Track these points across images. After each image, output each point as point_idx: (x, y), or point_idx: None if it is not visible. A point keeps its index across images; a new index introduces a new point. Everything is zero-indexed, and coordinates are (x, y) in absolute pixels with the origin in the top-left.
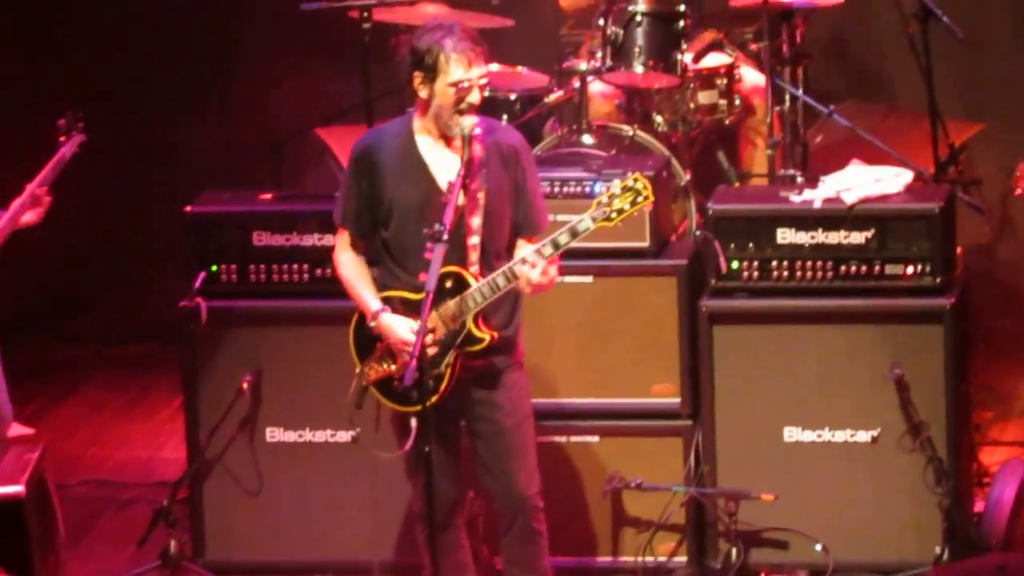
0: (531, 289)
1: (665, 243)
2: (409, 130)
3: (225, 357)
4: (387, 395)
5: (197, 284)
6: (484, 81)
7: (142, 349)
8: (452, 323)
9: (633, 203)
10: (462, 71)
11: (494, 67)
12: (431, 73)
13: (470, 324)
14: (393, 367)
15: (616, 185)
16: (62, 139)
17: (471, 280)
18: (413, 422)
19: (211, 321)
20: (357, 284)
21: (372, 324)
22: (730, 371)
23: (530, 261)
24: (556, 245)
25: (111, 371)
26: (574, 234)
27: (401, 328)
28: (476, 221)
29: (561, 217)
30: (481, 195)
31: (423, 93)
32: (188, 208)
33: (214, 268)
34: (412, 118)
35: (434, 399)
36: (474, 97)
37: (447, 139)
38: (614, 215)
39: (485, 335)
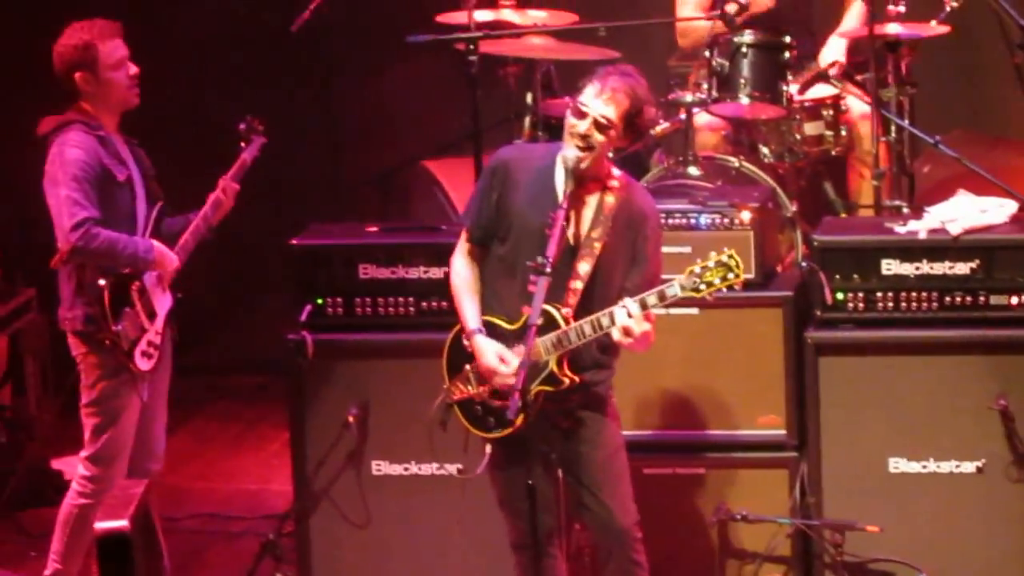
0: (624, 344)
1: (771, 274)
2: (553, 156)
3: (332, 390)
4: (468, 417)
5: (303, 317)
6: (603, 122)
7: (252, 381)
8: (537, 359)
9: (723, 279)
10: (589, 96)
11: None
12: (575, 93)
13: (553, 365)
14: (477, 390)
15: (712, 258)
16: (242, 144)
17: (560, 321)
18: (488, 448)
19: (318, 354)
20: (464, 295)
21: (467, 342)
22: (835, 402)
23: (616, 315)
24: (644, 304)
25: (222, 403)
26: (662, 298)
27: (490, 354)
28: (584, 268)
29: (666, 249)
30: (598, 245)
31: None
32: (294, 240)
33: (320, 301)
34: (559, 146)
35: (508, 431)
36: (580, 127)
37: (586, 178)
38: (703, 287)
39: (566, 378)
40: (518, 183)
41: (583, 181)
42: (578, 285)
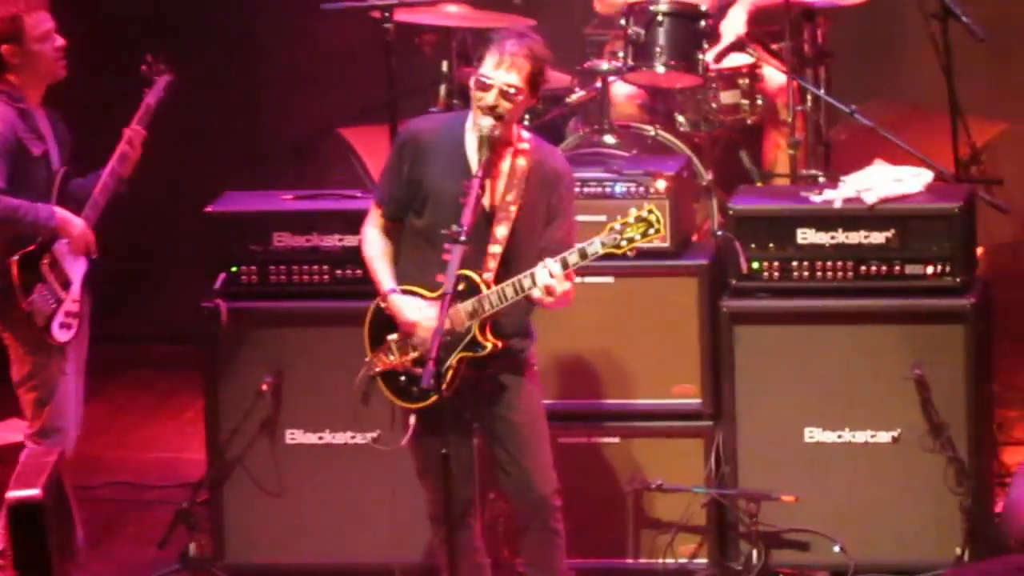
0: (545, 303)
1: (687, 243)
2: (462, 125)
3: (246, 359)
4: (392, 388)
5: (217, 285)
6: (509, 90)
7: (168, 350)
8: (459, 325)
9: (644, 234)
10: (490, 66)
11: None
12: (477, 63)
13: (475, 330)
14: (399, 360)
15: (631, 214)
16: (146, 90)
17: (482, 286)
18: (412, 419)
19: (231, 322)
20: (378, 262)
21: (383, 305)
22: (751, 372)
23: (537, 276)
24: (565, 263)
25: (137, 372)
26: (583, 255)
27: (410, 309)
28: (502, 231)
29: (581, 217)
30: (513, 208)
31: (471, 83)
32: (208, 208)
33: (234, 269)
34: (468, 115)
35: (433, 399)
36: (487, 99)
37: (497, 144)
38: (624, 243)
39: (489, 343)
40: (429, 155)
41: (494, 146)
42: (496, 249)
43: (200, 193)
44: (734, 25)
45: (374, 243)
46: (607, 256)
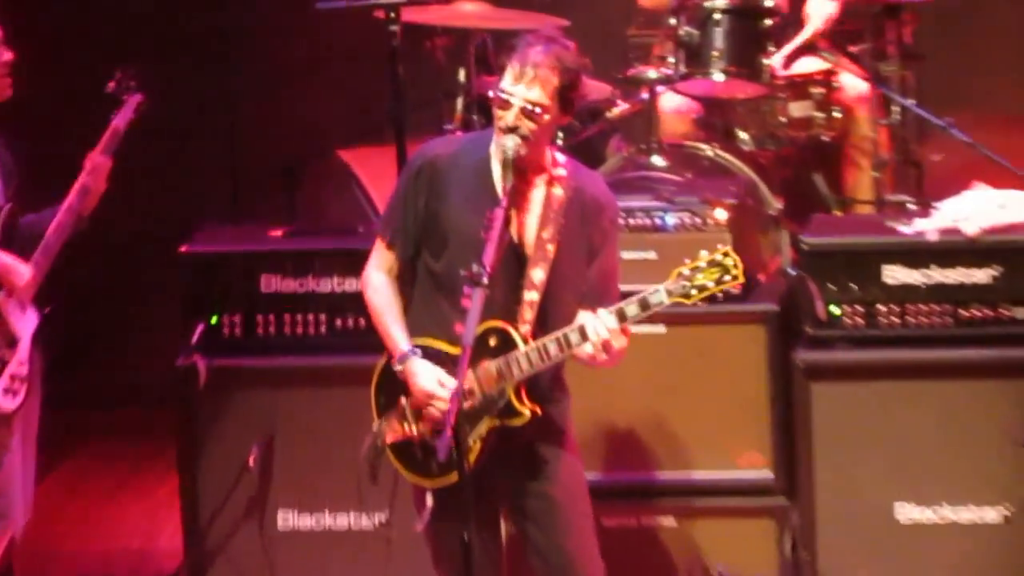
0: (592, 362)
1: (752, 284)
2: (486, 147)
3: (229, 426)
4: (405, 463)
5: (195, 338)
6: (533, 108)
7: (136, 416)
8: (490, 388)
9: (719, 282)
10: (509, 80)
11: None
12: (499, 75)
13: (511, 394)
14: (415, 429)
15: (703, 257)
16: (113, 111)
17: (519, 341)
18: (428, 499)
19: (211, 383)
20: (387, 315)
21: (398, 368)
22: (831, 437)
23: (589, 331)
24: (622, 315)
25: (99, 442)
26: (644, 306)
27: (427, 377)
28: (539, 275)
29: (627, 255)
30: (551, 247)
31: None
32: (184, 248)
33: (214, 319)
34: (492, 136)
35: (455, 476)
36: (507, 119)
37: (527, 169)
38: (694, 292)
39: (526, 410)
40: (449, 184)
41: (524, 173)
42: (533, 296)
43: (174, 230)
44: (822, 8)
45: (381, 291)
46: (662, 275)
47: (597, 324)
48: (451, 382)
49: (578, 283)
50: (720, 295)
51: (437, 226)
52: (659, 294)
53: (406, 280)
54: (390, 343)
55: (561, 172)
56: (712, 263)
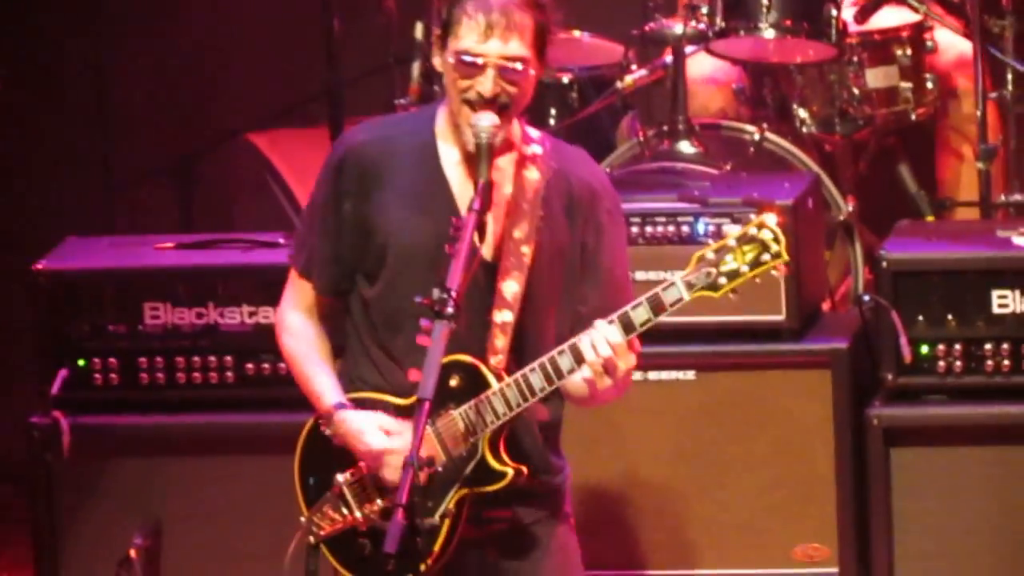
0: (590, 395)
1: (812, 315)
2: (429, 130)
3: (102, 505)
4: (346, 560)
5: (55, 389)
6: (514, 65)
7: None
8: (456, 446)
9: (755, 264)
10: (473, 38)
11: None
12: (444, 32)
13: (484, 449)
14: (358, 512)
15: (731, 234)
16: None
17: (490, 378)
18: None
19: (78, 447)
20: (309, 364)
21: (328, 429)
22: (917, 520)
23: (584, 348)
24: (628, 326)
25: None
26: (657, 308)
27: (370, 429)
28: (511, 288)
29: (642, 276)
30: (526, 250)
31: (437, 63)
32: (39, 264)
33: (82, 362)
34: (436, 112)
35: (423, 569)
36: (484, 85)
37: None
38: (722, 280)
39: (507, 468)
40: (383, 181)
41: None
42: (506, 317)
43: (28, 240)
44: None
45: (299, 335)
46: (696, 306)
47: (595, 337)
48: (398, 427)
49: (567, 298)
50: (758, 280)
51: (370, 239)
52: (676, 289)
53: (334, 320)
54: (316, 400)
55: (536, 150)
56: (744, 239)
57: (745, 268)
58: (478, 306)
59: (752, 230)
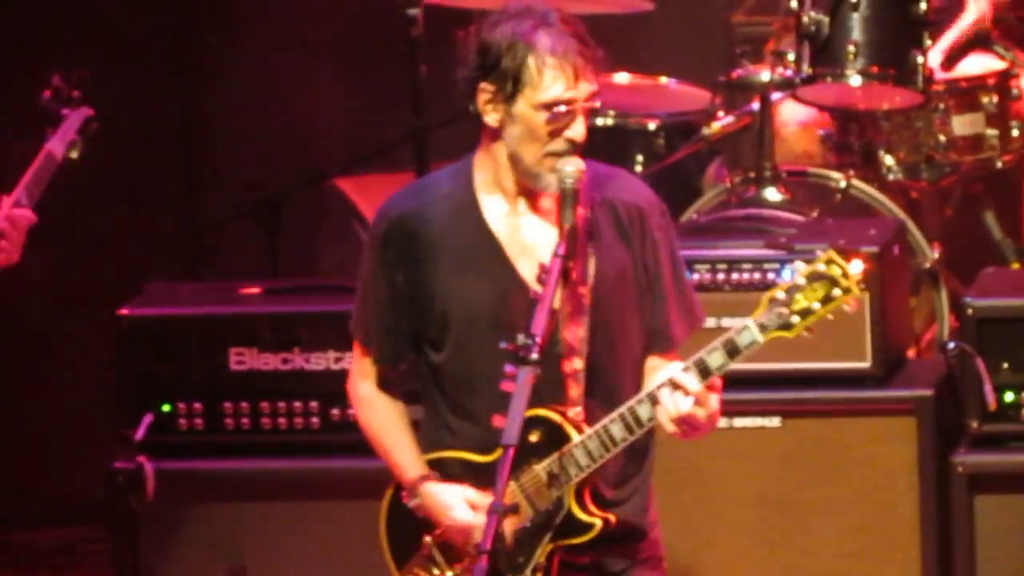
0: (680, 428)
1: (899, 362)
2: (468, 187)
3: (186, 551)
4: None
5: (139, 434)
6: (596, 104)
7: (60, 536)
8: (541, 500)
9: (826, 300)
10: (563, 85)
11: (621, 78)
12: (511, 86)
13: (570, 502)
14: (449, 573)
15: (799, 272)
16: (49, 130)
17: (571, 431)
18: None
19: (162, 493)
20: (389, 437)
21: (412, 501)
22: (1000, 566)
23: (663, 397)
24: (705, 370)
25: (17, 572)
26: (732, 352)
27: (456, 503)
28: (576, 333)
29: (728, 322)
30: (585, 291)
31: (493, 118)
32: (123, 309)
33: (166, 408)
34: (472, 167)
35: None
36: (577, 130)
37: (529, 197)
38: (795, 320)
39: (595, 519)
40: (431, 247)
41: (534, 197)
42: (576, 365)
43: (109, 285)
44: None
45: (372, 406)
46: (781, 352)
47: (676, 397)
48: (483, 501)
49: (640, 320)
50: (831, 317)
51: (429, 307)
52: (749, 332)
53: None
54: (397, 471)
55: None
56: (814, 276)
57: (817, 305)
58: (550, 358)
59: (820, 267)
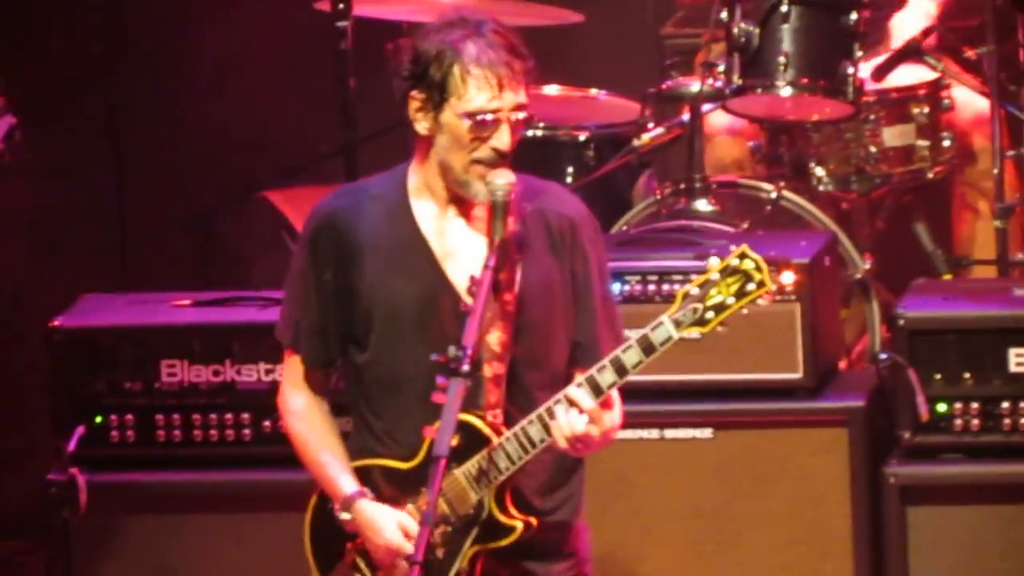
0: (572, 446)
1: (829, 373)
2: (401, 191)
3: (118, 563)
4: None
5: (71, 446)
6: (522, 116)
7: None
8: (462, 505)
9: (740, 294)
10: (487, 95)
11: (551, 90)
12: (438, 95)
13: (491, 505)
14: None
15: (712, 267)
16: None
17: (490, 434)
18: None
19: (95, 505)
20: (318, 448)
21: (343, 515)
22: None
23: (571, 399)
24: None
25: None
26: (647, 350)
27: (389, 526)
28: (497, 338)
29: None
30: (510, 297)
31: (423, 126)
32: (55, 321)
33: (98, 419)
34: (406, 172)
35: None
36: (502, 140)
37: (461, 204)
38: (709, 315)
39: (516, 522)
40: (360, 246)
41: (466, 206)
42: (497, 369)
43: (41, 297)
44: (920, 15)
45: (302, 415)
46: (712, 364)
47: (577, 388)
48: (416, 530)
49: (559, 335)
50: (746, 311)
51: (355, 305)
52: (664, 328)
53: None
54: (327, 484)
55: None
56: (727, 271)
57: (731, 300)
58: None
59: (734, 261)
